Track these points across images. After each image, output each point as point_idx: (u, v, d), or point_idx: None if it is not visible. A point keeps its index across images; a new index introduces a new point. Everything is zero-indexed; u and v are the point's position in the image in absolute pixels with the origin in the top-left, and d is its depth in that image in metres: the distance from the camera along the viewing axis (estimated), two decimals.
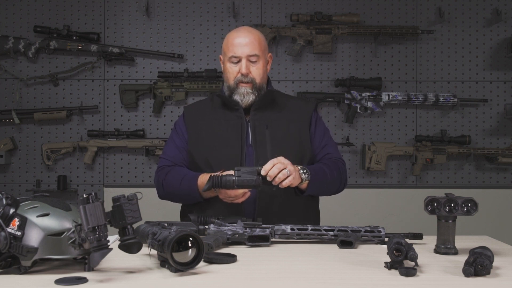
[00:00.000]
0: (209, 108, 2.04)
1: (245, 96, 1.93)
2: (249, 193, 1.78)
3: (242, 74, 1.92)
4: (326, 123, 3.61)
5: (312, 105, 2.08)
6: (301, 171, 1.81)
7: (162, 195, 1.98)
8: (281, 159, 1.74)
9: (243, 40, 1.92)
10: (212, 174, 1.74)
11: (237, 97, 1.94)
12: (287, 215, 1.89)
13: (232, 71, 1.94)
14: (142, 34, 3.69)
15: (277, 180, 1.71)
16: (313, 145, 2.00)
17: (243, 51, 1.91)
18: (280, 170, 1.71)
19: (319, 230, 1.67)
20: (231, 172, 1.72)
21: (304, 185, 1.84)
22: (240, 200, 1.79)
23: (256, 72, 1.93)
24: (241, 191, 1.74)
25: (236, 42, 1.92)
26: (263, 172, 1.70)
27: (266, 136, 1.90)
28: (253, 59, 1.92)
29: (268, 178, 1.70)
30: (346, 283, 1.24)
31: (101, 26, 3.69)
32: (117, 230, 1.31)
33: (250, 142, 1.92)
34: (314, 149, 1.99)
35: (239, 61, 1.93)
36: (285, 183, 1.72)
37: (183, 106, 2.26)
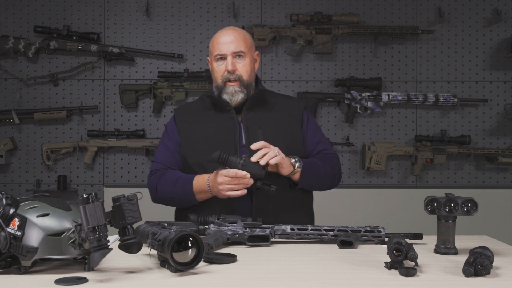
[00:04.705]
0: (200, 110, 2.02)
1: (233, 95, 1.92)
2: (245, 191, 1.76)
3: (228, 71, 1.91)
4: (326, 123, 3.66)
5: (302, 103, 2.09)
6: (293, 160, 1.83)
7: (156, 199, 1.97)
8: (270, 145, 1.77)
9: (227, 38, 1.93)
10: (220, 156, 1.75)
11: (225, 96, 1.93)
12: (282, 212, 1.87)
13: (219, 70, 1.94)
14: (142, 34, 3.69)
15: (266, 157, 1.72)
16: (306, 142, 2.00)
17: (228, 49, 1.91)
18: (268, 151, 1.74)
19: (319, 230, 1.67)
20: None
21: (296, 176, 1.84)
22: (237, 194, 1.75)
23: (243, 69, 1.93)
24: (242, 173, 1.72)
25: (221, 41, 1.93)
26: (254, 158, 1.73)
27: (259, 136, 1.88)
28: (238, 55, 1.92)
29: (256, 158, 1.73)
30: (346, 283, 1.24)
31: (101, 26, 3.69)
32: (117, 230, 1.31)
33: (244, 143, 1.91)
34: (307, 147, 1.99)
35: (225, 59, 1.93)
36: (274, 160, 1.73)
37: (173, 108, 2.26)
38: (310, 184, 1.93)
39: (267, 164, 1.74)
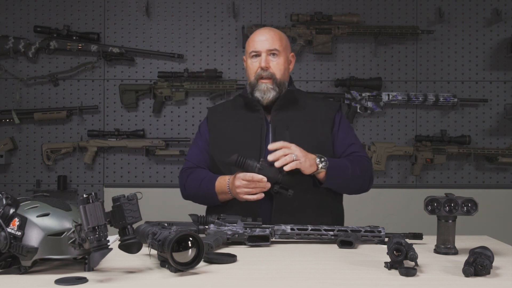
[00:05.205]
0: (231, 109, 2.04)
1: (265, 92, 1.91)
2: (263, 195, 1.76)
3: (261, 68, 1.92)
4: None
5: (336, 106, 2.05)
6: (318, 160, 1.80)
7: (185, 196, 2.01)
8: (292, 145, 1.75)
9: (263, 36, 1.95)
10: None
11: (257, 94, 1.92)
12: (303, 213, 1.86)
13: (252, 67, 1.95)
14: (142, 34, 3.69)
15: (282, 161, 1.71)
16: (337, 144, 1.96)
17: (262, 46, 1.93)
18: (285, 154, 1.73)
19: (319, 230, 1.67)
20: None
21: (322, 175, 1.82)
22: (254, 198, 1.76)
23: (276, 67, 1.93)
24: (259, 177, 1.72)
25: (257, 39, 1.95)
26: (270, 157, 1.71)
27: (286, 137, 1.86)
28: (273, 54, 1.93)
29: (273, 157, 1.72)
30: (346, 283, 1.24)
31: (101, 26, 3.69)
32: (117, 230, 1.31)
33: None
34: (337, 149, 1.96)
35: (259, 56, 1.94)
36: (289, 166, 1.72)
37: (207, 108, 2.29)
38: (336, 185, 1.90)
39: (283, 168, 1.72)
